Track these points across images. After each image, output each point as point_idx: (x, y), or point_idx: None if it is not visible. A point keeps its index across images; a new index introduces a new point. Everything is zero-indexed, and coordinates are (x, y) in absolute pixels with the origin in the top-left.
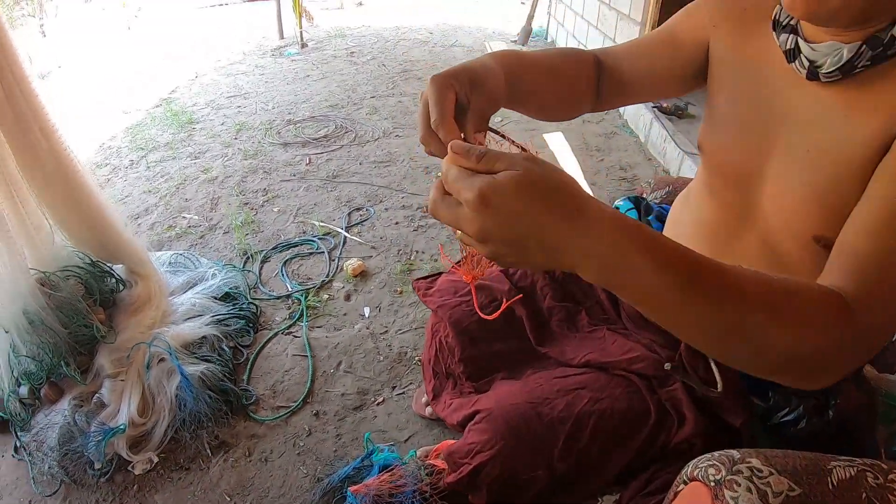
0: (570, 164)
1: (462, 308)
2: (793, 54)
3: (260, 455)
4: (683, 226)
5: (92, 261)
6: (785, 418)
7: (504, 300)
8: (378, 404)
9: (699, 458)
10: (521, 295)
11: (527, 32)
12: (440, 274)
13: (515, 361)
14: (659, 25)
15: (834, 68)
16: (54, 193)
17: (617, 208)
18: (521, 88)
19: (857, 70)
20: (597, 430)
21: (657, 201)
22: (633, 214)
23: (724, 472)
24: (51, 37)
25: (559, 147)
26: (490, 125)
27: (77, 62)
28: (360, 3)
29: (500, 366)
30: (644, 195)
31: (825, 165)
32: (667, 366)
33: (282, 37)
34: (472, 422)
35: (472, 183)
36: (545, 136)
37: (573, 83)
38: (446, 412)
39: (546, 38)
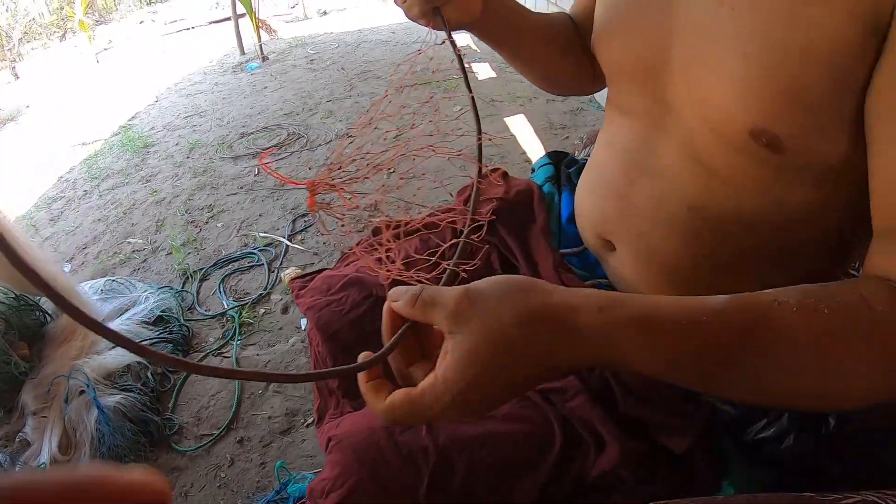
0: (533, 148)
1: (331, 309)
2: None
3: (180, 490)
4: (597, 162)
5: (15, 295)
6: (762, 434)
7: (377, 295)
8: (307, 426)
9: None
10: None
11: None
12: (322, 271)
13: None
14: None
15: None
16: None
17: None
18: (501, 15)
19: None
20: (475, 463)
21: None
22: (548, 170)
23: None
24: (24, 78)
25: (520, 130)
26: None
27: (46, 100)
28: (325, 13)
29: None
30: (577, 153)
31: (749, 26)
32: None
33: (242, 52)
34: (327, 450)
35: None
36: (506, 119)
37: (567, 44)
38: (322, 438)
39: None
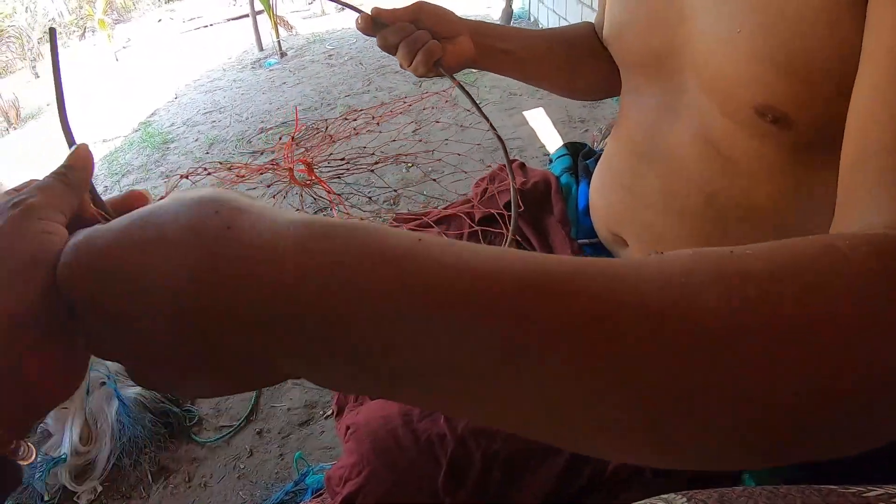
0: (552, 141)
1: None
2: None
3: (200, 480)
4: (607, 155)
5: None
6: None
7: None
8: (327, 417)
9: None
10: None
11: (507, 14)
12: None
13: None
14: None
15: None
16: None
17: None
18: (496, 48)
19: None
20: (492, 453)
21: None
22: (566, 160)
23: None
24: (43, 77)
25: (539, 123)
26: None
27: (67, 98)
28: (342, 9)
29: None
30: (595, 144)
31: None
32: None
33: (261, 49)
34: (345, 439)
35: None
36: (525, 113)
37: (586, 50)
38: (340, 428)
39: (529, 20)
